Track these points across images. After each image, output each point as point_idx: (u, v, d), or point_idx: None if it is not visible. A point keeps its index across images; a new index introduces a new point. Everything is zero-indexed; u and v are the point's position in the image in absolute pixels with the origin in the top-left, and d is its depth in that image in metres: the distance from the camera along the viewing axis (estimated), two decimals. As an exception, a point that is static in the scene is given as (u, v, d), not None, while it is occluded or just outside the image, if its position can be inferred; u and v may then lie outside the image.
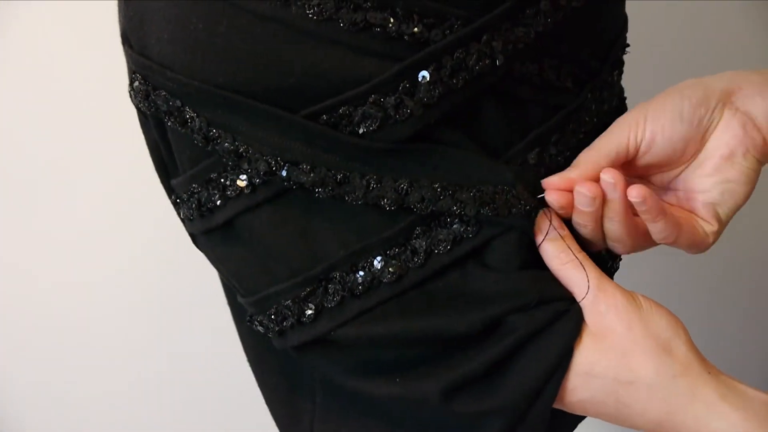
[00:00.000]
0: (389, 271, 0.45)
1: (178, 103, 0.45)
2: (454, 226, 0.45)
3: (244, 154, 0.44)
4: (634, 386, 0.41)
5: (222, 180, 0.46)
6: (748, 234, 1.16)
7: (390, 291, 0.45)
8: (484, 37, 0.42)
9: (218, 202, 0.46)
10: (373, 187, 0.43)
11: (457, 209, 0.44)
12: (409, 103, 0.42)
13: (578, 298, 0.44)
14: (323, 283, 0.46)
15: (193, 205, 0.48)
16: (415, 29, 0.41)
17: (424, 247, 0.45)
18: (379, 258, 0.45)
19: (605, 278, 0.44)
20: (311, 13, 0.41)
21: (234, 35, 0.42)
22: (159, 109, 0.46)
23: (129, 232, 0.99)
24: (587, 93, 0.49)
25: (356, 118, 0.42)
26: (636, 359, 0.41)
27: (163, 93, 0.45)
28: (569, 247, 0.45)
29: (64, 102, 0.94)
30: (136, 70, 0.46)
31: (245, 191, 0.45)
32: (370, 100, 0.42)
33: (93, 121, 0.94)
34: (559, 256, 0.45)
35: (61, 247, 1.00)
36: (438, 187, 0.44)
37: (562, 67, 0.47)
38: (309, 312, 0.46)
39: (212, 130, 0.44)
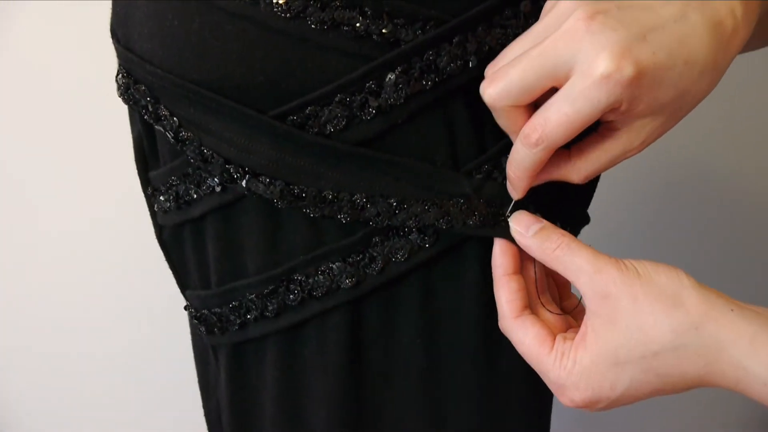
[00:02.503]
0: (347, 276, 0.46)
1: (154, 99, 0.46)
2: (411, 235, 0.46)
3: (209, 159, 0.45)
4: (662, 355, 0.40)
5: (197, 176, 0.47)
6: (748, 234, 1.16)
7: (348, 295, 0.46)
8: (456, 39, 0.42)
9: (194, 196, 0.48)
10: (329, 200, 0.44)
11: (412, 223, 0.45)
12: (373, 103, 0.42)
13: (577, 285, 0.43)
14: (285, 283, 0.47)
15: (171, 197, 0.49)
16: (384, 29, 0.41)
17: (382, 255, 0.46)
18: (338, 263, 0.46)
19: (598, 256, 0.42)
20: (279, 11, 0.41)
21: (207, 32, 0.42)
22: (137, 103, 0.47)
23: (130, 233, 0.99)
24: None
25: (323, 118, 0.43)
26: (651, 329, 0.40)
27: (143, 87, 0.46)
28: (553, 233, 0.44)
29: (61, 101, 0.94)
30: (121, 63, 0.48)
31: (216, 189, 0.46)
32: (336, 99, 0.42)
33: (93, 120, 0.94)
34: (544, 246, 0.43)
35: (61, 248, 1.01)
36: (393, 202, 0.44)
37: None
38: (271, 307, 0.48)
39: (182, 131, 0.45)
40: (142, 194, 0.54)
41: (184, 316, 0.56)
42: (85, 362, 1.06)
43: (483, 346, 0.49)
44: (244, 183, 0.45)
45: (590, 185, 0.55)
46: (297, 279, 0.47)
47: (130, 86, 0.47)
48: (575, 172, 0.44)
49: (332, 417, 0.49)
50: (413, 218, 0.44)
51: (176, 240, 0.53)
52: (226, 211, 0.48)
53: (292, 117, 0.43)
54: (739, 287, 1.18)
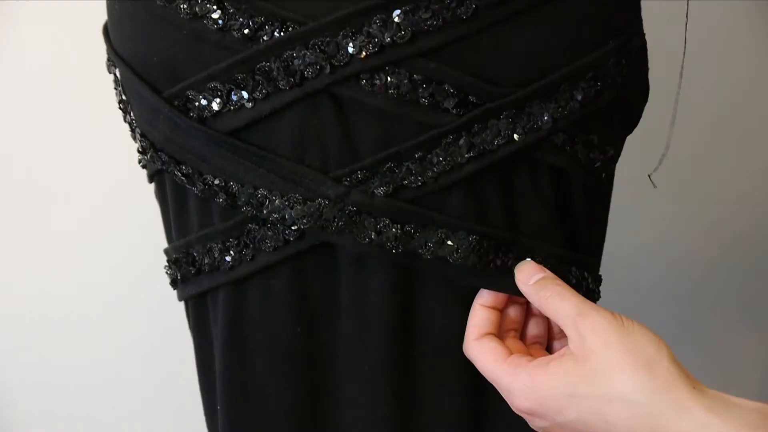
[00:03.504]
0: (225, 259, 0.48)
1: (114, 70, 0.50)
2: (279, 227, 0.46)
3: (134, 129, 0.49)
4: (617, 403, 0.41)
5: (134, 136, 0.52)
6: (749, 238, 1.16)
7: (227, 277, 0.49)
8: (312, 41, 0.42)
9: (142, 161, 0.52)
10: (209, 184, 0.46)
11: (277, 217, 0.45)
12: (239, 93, 0.44)
13: (563, 327, 0.45)
14: (184, 254, 0.51)
15: (138, 158, 0.53)
16: (246, 30, 0.42)
17: (254, 244, 0.47)
18: (219, 245, 0.48)
19: (586, 304, 0.44)
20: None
21: (121, 11, 0.47)
22: (110, 69, 0.52)
23: (130, 232, 1.00)
24: (475, 120, 0.44)
25: (197, 104, 0.45)
26: (615, 376, 0.41)
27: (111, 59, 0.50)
28: (550, 283, 0.46)
29: (61, 98, 0.94)
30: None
31: (145, 158, 0.50)
32: (210, 86, 0.44)
33: (93, 117, 0.94)
34: (539, 294, 0.46)
35: (60, 245, 1.01)
36: (261, 194, 0.45)
37: (436, 85, 0.43)
38: (179, 275, 0.52)
39: (123, 99, 0.50)
40: (139, 188, 0.57)
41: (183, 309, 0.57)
42: (83, 358, 1.06)
43: (397, 334, 0.49)
44: (149, 155, 0.48)
45: (598, 242, 0.55)
46: (192, 253, 0.50)
47: (109, 56, 0.51)
48: None
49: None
50: (277, 212, 0.45)
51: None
52: (158, 177, 0.52)
53: (178, 99, 0.45)
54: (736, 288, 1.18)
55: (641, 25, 0.50)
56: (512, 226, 0.48)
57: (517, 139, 0.44)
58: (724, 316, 1.18)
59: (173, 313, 0.90)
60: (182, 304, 0.56)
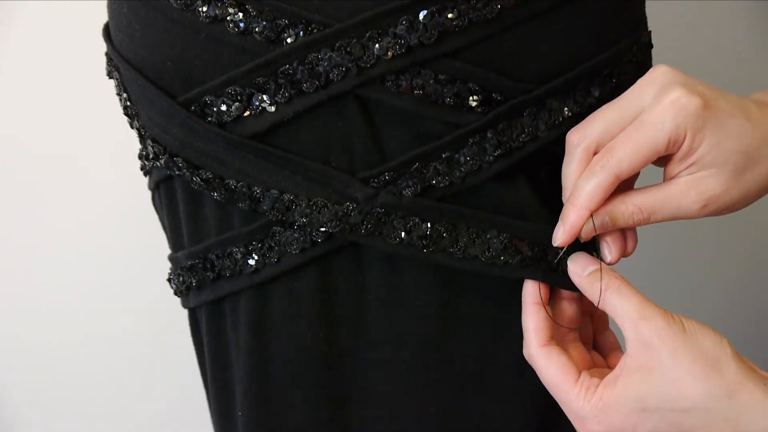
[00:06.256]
0: (249, 262, 0.47)
1: (117, 71, 0.49)
2: (306, 229, 0.46)
3: (143, 135, 0.49)
4: (692, 413, 0.40)
5: (141, 147, 0.51)
6: (752, 237, 1.16)
7: (250, 280, 0.48)
8: (338, 43, 0.42)
9: (147, 167, 0.52)
10: (231, 189, 0.45)
11: (305, 221, 0.45)
12: (261, 97, 0.43)
13: (622, 328, 0.43)
14: (202, 260, 0.49)
15: (139, 165, 0.53)
16: (269, 32, 0.42)
17: (279, 246, 0.46)
18: (242, 249, 0.47)
19: (647, 305, 0.42)
20: (172, 1, 0.43)
21: (131, 16, 0.46)
22: (111, 74, 0.51)
23: (130, 231, 1.00)
24: (500, 117, 0.44)
25: (215, 108, 0.44)
26: (687, 386, 0.40)
27: (114, 63, 0.50)
28: (605, 275, 0.44)
29: (59, 101, 0.94)
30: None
31: (156, 165, 0.49)
32: (228, 91, 0.43)
33: (93, 117, 0.94)
34: (595, 287, 0.44)
35: (61, 247, 1.01)
36: (288, 197, 0.45)
37: (461, 84, 0.43)
38: (194, 282, 0.50)
39: (128, 105, 0.49)
40: (141, 188, 0.57)
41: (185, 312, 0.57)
42: (83, 358, 1.06)
43: (389, 332, 0.49)
44: (162, 161, 0.47)
45: None
46: (211, 258, 0.49)
47: (111, 57, 0.50)
48: (623, 206, 0.43)
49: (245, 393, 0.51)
50: (305, 217, 0.45)
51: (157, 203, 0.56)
52: (166, 184, 0.51)
53: (195, 104, 0.45)
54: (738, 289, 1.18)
55: (647, 22, 0.51)
56: (543, 221, 0.47)
57: (541, 135, 0.45)
58: (727, 313, 1.18)
59: (174, 312, 0.90)
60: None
